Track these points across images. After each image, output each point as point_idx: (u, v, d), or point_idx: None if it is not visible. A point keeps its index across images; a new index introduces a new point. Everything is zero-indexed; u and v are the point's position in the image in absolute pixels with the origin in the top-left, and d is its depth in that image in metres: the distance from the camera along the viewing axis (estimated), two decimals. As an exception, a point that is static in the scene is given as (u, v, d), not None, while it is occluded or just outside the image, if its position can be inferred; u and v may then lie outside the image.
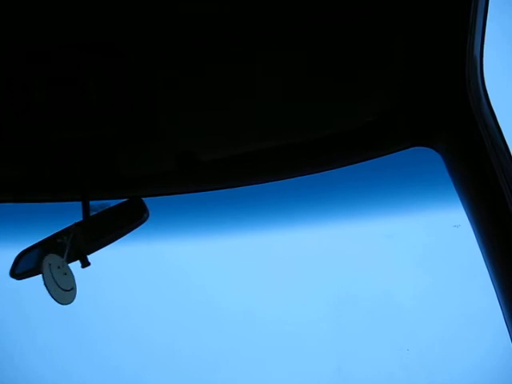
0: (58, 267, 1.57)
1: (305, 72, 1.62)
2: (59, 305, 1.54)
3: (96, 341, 3.28)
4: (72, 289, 1.57)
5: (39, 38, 1.46)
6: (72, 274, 1.59)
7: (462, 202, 1.58)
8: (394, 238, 3.16)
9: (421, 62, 1.58)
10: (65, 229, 1.71)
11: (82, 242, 1.68)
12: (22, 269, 1.70)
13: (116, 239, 1.73)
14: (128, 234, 1.74)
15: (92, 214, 1.72)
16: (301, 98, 1.66)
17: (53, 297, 1.52)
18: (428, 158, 1.69)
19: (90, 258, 1.68)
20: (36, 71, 1.54)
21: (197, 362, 3.28)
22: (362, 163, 1.79)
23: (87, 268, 1.66)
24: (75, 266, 1.66)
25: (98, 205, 1.75)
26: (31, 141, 1.68)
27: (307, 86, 1.64)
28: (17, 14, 1.39)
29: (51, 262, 1.57)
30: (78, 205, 1.71)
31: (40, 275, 1.66)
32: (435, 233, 3.08)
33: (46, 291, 1.52)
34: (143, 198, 1.74)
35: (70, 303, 1.56)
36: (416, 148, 1.72)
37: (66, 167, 1.76)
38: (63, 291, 1.55)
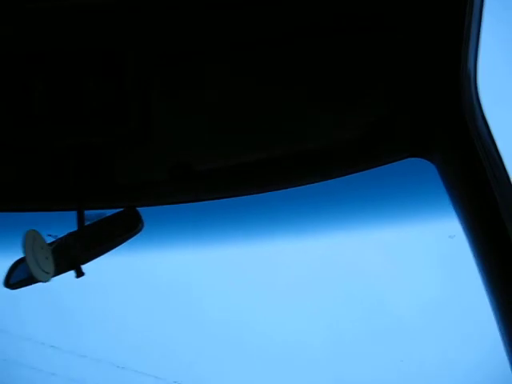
0: (42, 248, 1.57)
1: (301, 83, 1.62)
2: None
3: (88, 348, 3.27)
4: (49, 273, 1.57)
5: (38, 44, 1.47)
6: (52, 261, 1.59)
7: (457, 213, 1.58)
8: (388, 247, 3.16)
9: (414, 73, 1.58)
10: (59, 238, 1.71)
11: (76, 251, 1.67)
12: (16, 278, 1.70)
13: (111, 249, 1.73)
14: (123, 244, 1.74)
15: (87, 223, 1.72)
16: (297, 108, 1.67)
17: (31, 270, 1.53)
18: (422, 169, 1.70)
19: (84, 267, 1.68)
20: (33, 77, 1.54)
21: (193, 373, 3.27)
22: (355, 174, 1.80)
23: (81, 278, 1.66)
24: (69, 276, 1.66)
25: (93, 214, 1.74)
26: (26, 148, 1.67)
27: (303, 97, 1.64)
28: (16, 20, 1.39)
29: (36, 237, 1.57)
30: (73, 214, 1.71)
31: (34, 285, 1.66)
32: (430, 243, 3.08)
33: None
34: (138, 208, 1.74)
35: (43, 282, 1.56)
36: (410, 159, 1.72)
37: (61, 176, 1.76)
38: (39, 269, 1.55)
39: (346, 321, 3.24)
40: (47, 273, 1.57)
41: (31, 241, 1.55)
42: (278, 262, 3.19)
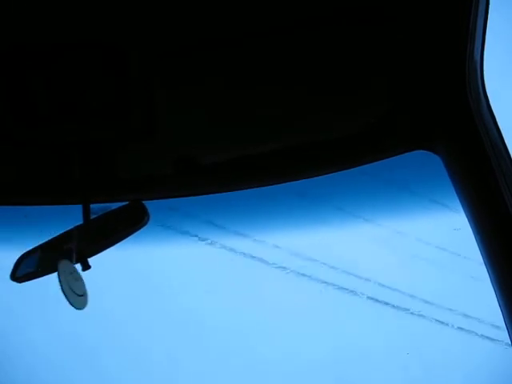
0: (71, 273, 1.59)
1: (304, 77, 1.62)
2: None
3: (84, 344, 3.27)
4: (84, 294, 1.59)
5: (40, 38, 1.47)
6: (82, 279, 1.60)
7: (462, 205, 1.58)
8: (392, 241, 3.16)
9: (421, 66, 1.58)
10: (65, 232, 1.72)
11: (82, 245, 1.68)
12: (22, 272, 1.70)
13: (116, 242, 1.74)
14: (128, 237, 1.75)
15: (92, 217, 1.72)
16: (300, 102, 1.67)
17: (70, 303, 1.54)
18: (427, 161, 1.70)
19: (90, 260, 1.68)
20: (36, 73, 1.54)
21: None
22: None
23: (87, 271, 1.67)
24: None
25: (98, 208, 1.75)
26: (31, 143, 1.68)
27: (307, 90, 1.65)
28: (18, 15, 1.40)
29: (66, 268, 1.58)
30: (79, 208, 1.71)
31: (39, 278, 1.67)
32: (435, 236, 3.08)
33: (64, 297, 1.55)
34: (144, 202, 1.75)
35: (83, 308, 1.58)
36: (415, 151, 1.72)
37: (67, 170, 1.77)
38: (78, 296, 1.57)
39: (349, 313, 3.24)
40: (82, 294, 1.59)
41: (64, 276, 1.57)
42: (281, 255, 3.19)
